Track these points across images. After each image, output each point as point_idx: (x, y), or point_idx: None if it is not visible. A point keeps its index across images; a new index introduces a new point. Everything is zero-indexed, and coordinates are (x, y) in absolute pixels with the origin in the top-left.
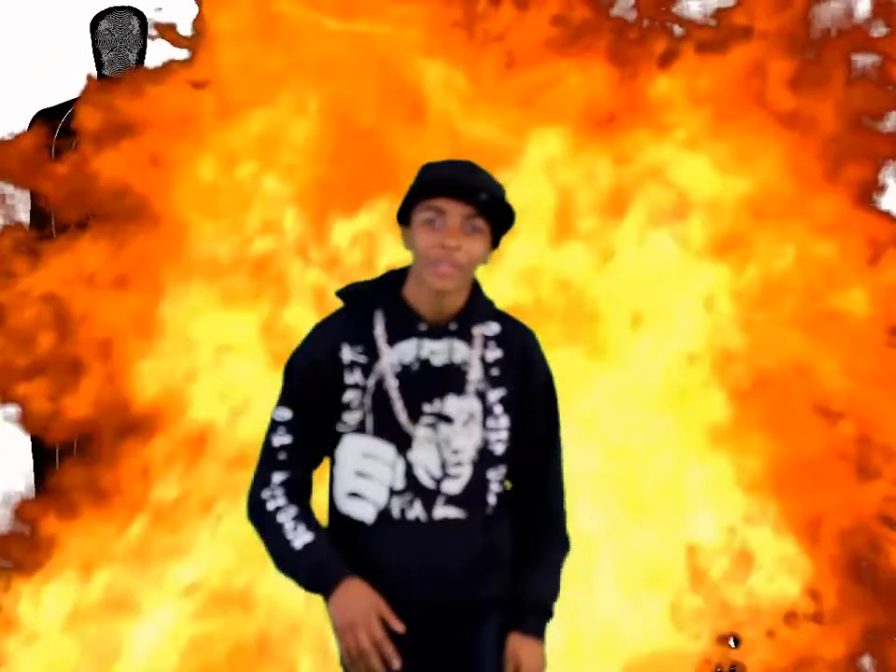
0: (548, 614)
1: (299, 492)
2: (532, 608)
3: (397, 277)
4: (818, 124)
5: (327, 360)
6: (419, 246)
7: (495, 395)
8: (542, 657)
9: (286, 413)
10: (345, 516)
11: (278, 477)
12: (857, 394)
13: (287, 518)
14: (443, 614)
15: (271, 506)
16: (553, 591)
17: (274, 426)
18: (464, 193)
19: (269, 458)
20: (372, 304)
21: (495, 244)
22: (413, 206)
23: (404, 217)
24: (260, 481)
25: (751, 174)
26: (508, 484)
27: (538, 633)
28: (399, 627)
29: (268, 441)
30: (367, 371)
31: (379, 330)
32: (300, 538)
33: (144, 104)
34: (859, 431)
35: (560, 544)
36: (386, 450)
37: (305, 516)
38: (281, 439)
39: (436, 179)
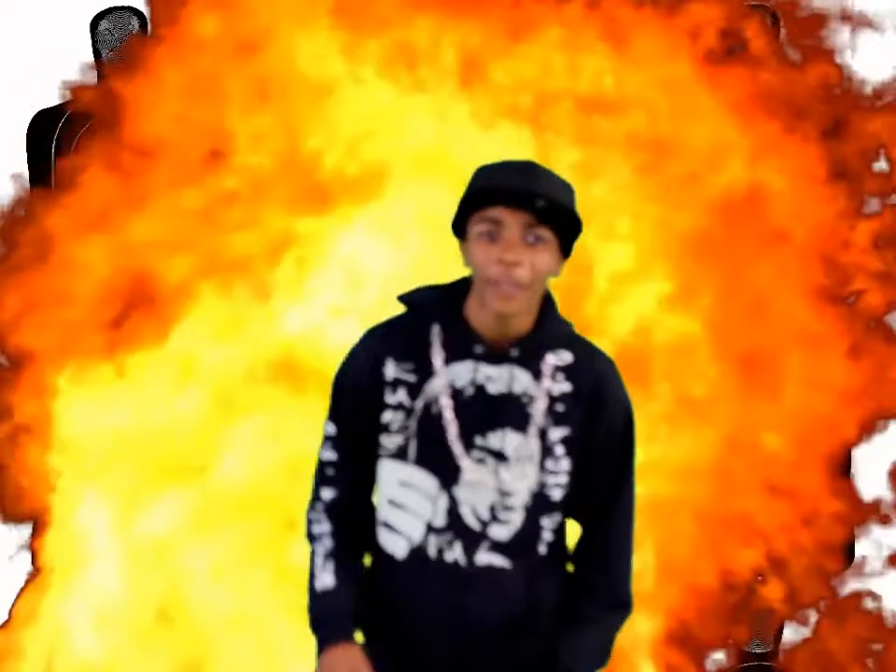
0: None
1: (343, 514)
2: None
3: (463, 288)
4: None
5: (367, 375)
6: (476, 263)
7: (557, 434)
8: None
9: (330, 428)
10: (377, 549)
11: (325, 494)
12: None
13: (321, 551)
14: (470, 669)
15: (315, 530)
16: (593, 659)
17: (324, 439)
18: (521, 200)
19: (319, 472)
20: (431, 317)
21: (566, 252)
22: (468, 217)
23: (460, 230)
24: (312, 496)
25: None
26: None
27: None
28: None
29: (319, 454)
30: (415, 391)
31: (435, 348)
32: (321, 579)
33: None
34: None
35: (614, 607)
36: (428, 481)
37: (337, 553)
38: (327, 454)
39: (488, 186)
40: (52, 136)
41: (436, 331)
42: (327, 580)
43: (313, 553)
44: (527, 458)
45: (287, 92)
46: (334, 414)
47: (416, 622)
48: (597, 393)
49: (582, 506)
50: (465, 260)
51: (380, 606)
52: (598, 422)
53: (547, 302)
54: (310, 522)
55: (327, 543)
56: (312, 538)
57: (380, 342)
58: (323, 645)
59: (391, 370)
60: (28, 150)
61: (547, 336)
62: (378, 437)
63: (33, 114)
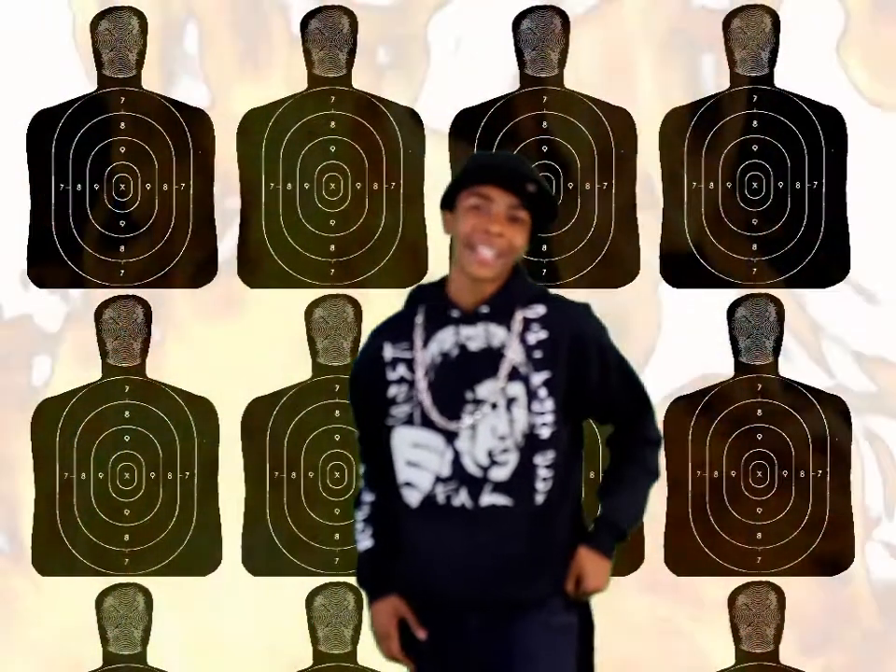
0: (619, 532)
1: (379, 482)
2: (601, 523)
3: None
4: None
5: (371, 361)
6: (462, 230)
7: (538, 378)
8: (606, 573)
9: (353, 413)
10: (399, 503)
11: (362, 469)
12: None
13: (360, 517)
14: (485, 605)
15: (362, 498)
16: (628, 511)
17: (354, 423)
18: (512, 183)
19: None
20: (419, 301)
21: (532, 237)
22: (458, 193)
23: (449, 203)
24: (360, 470)
25: None
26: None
27: (604, 548)
28: (420, 635)
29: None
30: (412, 365)
31: (419, 323)
32: (363, 542)
33: None
34: None
35: (645, 470)
36: (435, 439)
37: (374, 519)
38: (357, 434)
39: (486, 166)
40: (52, 136)
41: (422, 311)
42: (366, 542)
43: (354, 520)
44: (514, 403)
45: None
46: (354, 401)
47: (433, 563)
48: (578, 337)
49: (612, 420)
50: (445, 228)
51: (403, 552)
52: (589, 365)
53: (515, 271)
54: (360, 492)
55: (366, 510)
56: (357, 504)
57: (379, 333)
58: (371, 600)
59: (388, 351)
60: (28, 150)
61: (515, 294)
62: (389, 410)
63: (33, 114)
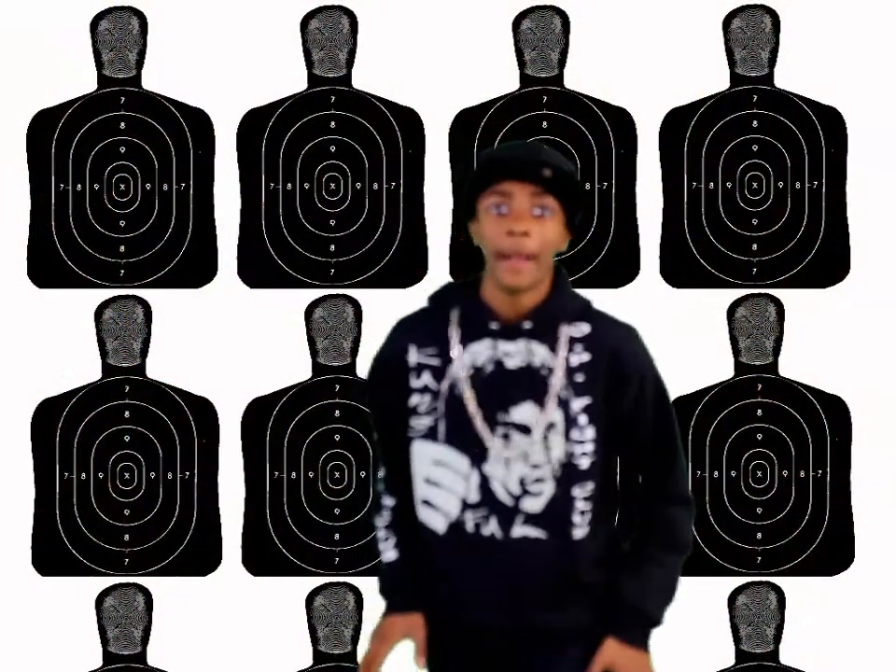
0: (651, 621)
1: (399, 487)
2: (631, 612)
3: (483, 277)
4: None
5: (393, 363)
6: (487, 237)
7: (579, 404)
8: (648, 670)
9: (370, 415)
10: (422, 522)
11: (380, 472)
12: None
13: (381, 524)
14: (512, 640)
15: (382, 501)
16: (658, 595)
17: (372, 426)
18: (527, 171)
19: (375, 453)
20: (451, 303)
21: (570, 227)
22: (477, 197)
23: (470, 211)
24: (378, 474)
25: None
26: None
27: (638, 642)
28: (419, 663)
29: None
30: (439, 374)
31: (452, 331)
32: (387, 553)
33: None
34: None
35: (673, 545)
36: (459, 459)
37: (396, 525)
38: (374, 437)
39: (498, 160)
40: (52, 136)
41: (455, 316)
42: (390, 554)
43: (376, 527)
44: (552, 430)
45: None
46: (370, 403)
47: (459, 593)
48: (616, 357)
49: (634, 465)
50: (475, 240)
51: (431, 579)
52: (624, 390)
53: (558, 277)
54: (378, 495)
55: (387, 516)
56: (378, 507)
57: (404, 332)
58: (388, 611)
59: (414, 356)
60: (28, 150)
61: (560, 308)
62: (408, 420)
63: (33, 114)
